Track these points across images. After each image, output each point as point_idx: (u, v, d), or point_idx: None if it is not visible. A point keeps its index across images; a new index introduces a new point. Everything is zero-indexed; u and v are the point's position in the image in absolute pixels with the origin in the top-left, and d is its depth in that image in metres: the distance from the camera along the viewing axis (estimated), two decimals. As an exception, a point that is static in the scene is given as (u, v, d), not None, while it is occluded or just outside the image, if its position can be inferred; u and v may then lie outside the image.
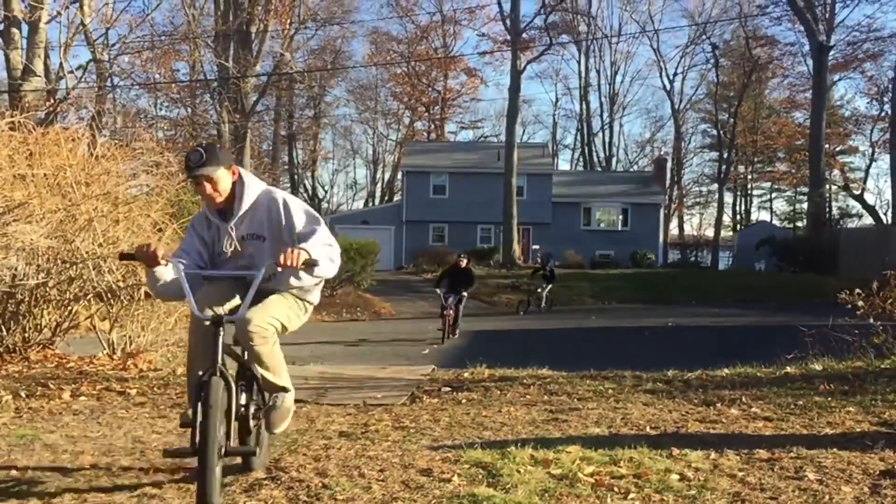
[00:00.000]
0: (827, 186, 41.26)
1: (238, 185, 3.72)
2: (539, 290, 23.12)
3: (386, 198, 57.68)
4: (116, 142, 11.22)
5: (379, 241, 28.19)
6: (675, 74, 56.15)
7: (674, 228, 58.78)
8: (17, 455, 4.40)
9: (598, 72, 58.58)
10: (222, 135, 31.33)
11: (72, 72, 20.44)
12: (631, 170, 58.06)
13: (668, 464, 4.05)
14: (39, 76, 19.34)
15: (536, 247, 39.27)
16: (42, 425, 5.18)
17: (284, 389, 3.83)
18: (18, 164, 7.87)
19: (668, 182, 49.86)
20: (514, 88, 36.04)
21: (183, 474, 3.91)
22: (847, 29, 42.55)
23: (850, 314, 7.48)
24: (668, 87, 55.43)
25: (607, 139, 59.30)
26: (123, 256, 3.88)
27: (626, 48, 61.10)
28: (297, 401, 6.06)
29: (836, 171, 49.69)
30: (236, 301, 3.66)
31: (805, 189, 46.17)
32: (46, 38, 20.06)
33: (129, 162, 9.38)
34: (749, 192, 60.41)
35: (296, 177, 55.22)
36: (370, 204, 58.05)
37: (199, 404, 3.27)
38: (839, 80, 48.59)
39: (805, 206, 46.71)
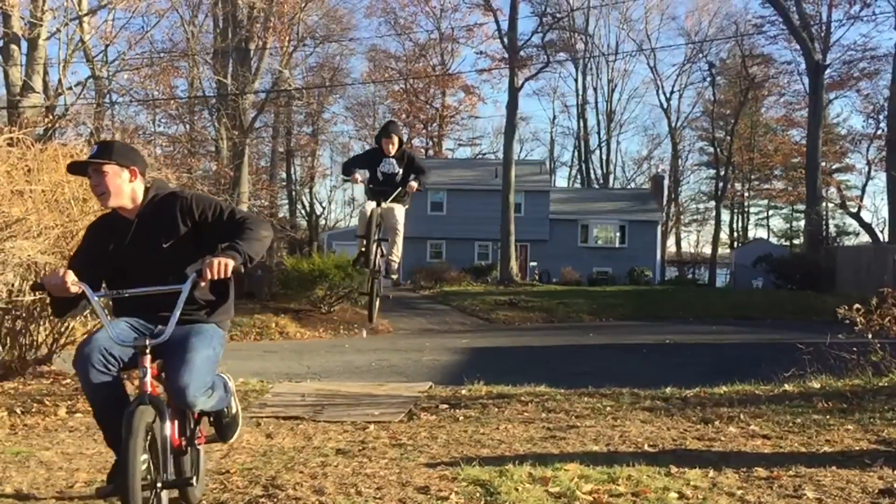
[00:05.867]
0: (824, 204, 41.33)
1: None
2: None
3: (384, 214, 57.54)
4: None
5: (377, 257, 28.08)
6: (672, 92, 56.42)
7: (671, 245, 58.84)
8: (12, 472, 4.37)
9: (595, 89, 58.81)
10: (220, 151, 31.38)
11: (70, 88, 20.49)
12: (628, 187, 58.19)
13: (666, 482, 4.04)
14: (38, 92, 19.40)
15: (534, 263, 39.28)
16: (38, 442, 5.15)
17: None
18: (17, 180, 7.87)
19: (665, 199, 49.96)
20: (512, 106, 36.16)
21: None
22: (843, 48, 42.82)
23: (847, 331, 7.48)
24: (664, 104, 55.73)
25: (604, 156, 59.47)
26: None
27: (624, 66, 61.16)
28: (294, 417, 6.06)
29: (832, 189, 49.84)
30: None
31: (802, 207, 46.27)
32: (46, 54, 20.16)
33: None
34: (746, 209, 60.53)
35: (294, 193, 55.26)
36: (368, 220, 57.88)
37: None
38: (835, 98, 48.82)
39: (802, 223, 46.79)
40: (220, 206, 3.44)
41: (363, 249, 7.27)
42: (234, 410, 3.77)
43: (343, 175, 7.47)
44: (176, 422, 3.29)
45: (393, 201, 7.22)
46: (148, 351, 3.14)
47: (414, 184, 7.19)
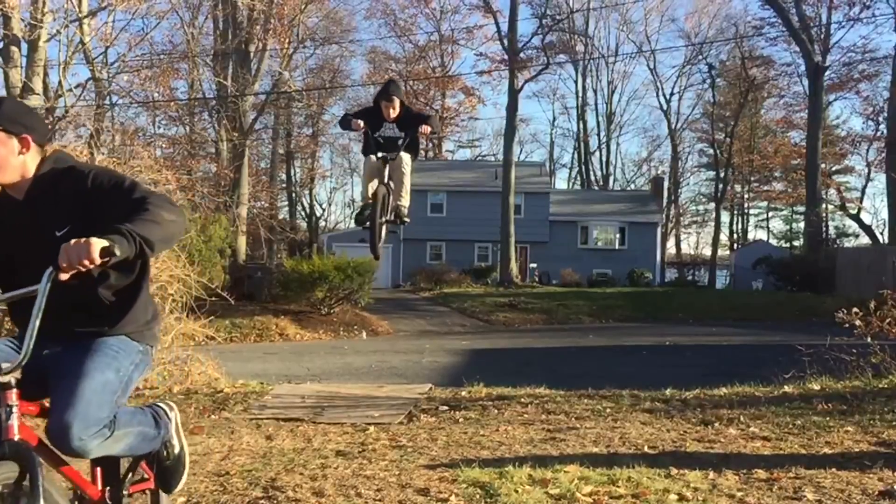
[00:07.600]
0: (823, 206, 41.35)
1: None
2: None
3: (383, 216, 57.54)
4: (115, 159, 11.23)
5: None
6: (672, 94, 56.41)
7: (671, 247, 58.84)
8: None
9: (595, 91, 58.84)
10: (220, 153, 31.40)
11: (71, 90, 20.48)
12: (628, 189, 58.21)
13: (666, 483, 4.04)
14: (38, 94, 19.40)
15: (534, 265, 39.29)
16: (37, 444, 5.14)
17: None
18: (17, 181, 7.87)
19: (665, 201, 49.98)
20: (512, 107, 36.18)
21: (183, 498, 3.88)
22: (842, 50, 42.85)
23: (847, 333, 7.48)
24: (664, 106, 55.72)
25: (604, 158, 59.51)
26: None
27: (623, 68, 61.21)
28: (294, 419, 6.05)
29: (832, 191, 49.86)
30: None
31: (802, 208, 46.33)
32: (46, 56, 20.15)
33: (128, 180, 9.36)
34: (746, 211, 60.57)
35: (294, 195, 55.28)
36: (368, 222, 57.86)
37: None
38: (835, 100, 48.87)
39: (802, 225, 46.83)
40: (120, 179, 2.54)
41: (369, 228, 6.33)
42: (177, 450, 2.87)
43: (341, 127, 6.60)
44: (99, 468, 2.64)
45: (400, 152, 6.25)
46: (12, 382, 2.28)
47: (427, 127, 6.11)
